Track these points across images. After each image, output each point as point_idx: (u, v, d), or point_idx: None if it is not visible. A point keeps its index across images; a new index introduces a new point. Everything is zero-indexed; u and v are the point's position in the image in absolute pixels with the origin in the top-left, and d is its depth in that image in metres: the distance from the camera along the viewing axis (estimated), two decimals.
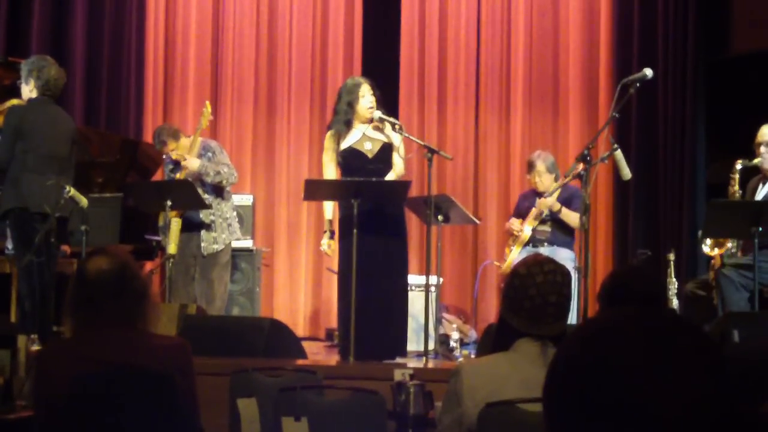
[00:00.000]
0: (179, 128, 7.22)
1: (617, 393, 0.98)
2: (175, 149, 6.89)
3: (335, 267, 6.40)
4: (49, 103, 6.16)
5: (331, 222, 6.20)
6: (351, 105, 6.08)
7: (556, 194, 6.74)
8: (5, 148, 5.99)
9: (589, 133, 7.85)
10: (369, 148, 6.09)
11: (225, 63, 8.77)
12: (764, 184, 6.04)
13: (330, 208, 6.23)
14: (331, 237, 6.18)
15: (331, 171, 6.18)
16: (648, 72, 5.52)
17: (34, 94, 6.12)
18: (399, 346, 6.10)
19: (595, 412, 0.99)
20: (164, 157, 7.14)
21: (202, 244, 6.83)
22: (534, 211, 6.86)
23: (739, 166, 5.98)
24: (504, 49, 8.44)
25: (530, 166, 6.94)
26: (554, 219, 6.84)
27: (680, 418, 0.97)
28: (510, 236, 7.04)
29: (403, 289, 6.21)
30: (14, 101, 6.22)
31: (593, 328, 1.05)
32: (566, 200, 6.79)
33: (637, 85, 5.54)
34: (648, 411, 0.97)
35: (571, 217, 6.74)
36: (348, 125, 6.10)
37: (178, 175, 6.87)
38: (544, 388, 1.06)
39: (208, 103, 7.15)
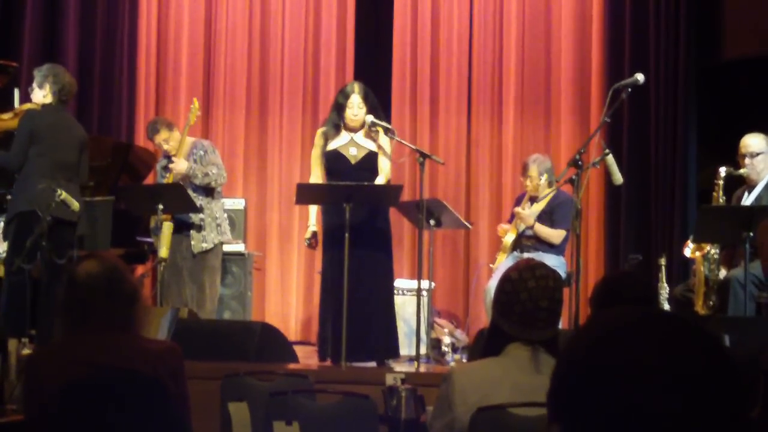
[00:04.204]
0: (174, 122, 7.23)
1: (632, 394, 0.98)
2: (168, 139, 6.91)
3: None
4: (62, 110, 6.25)
5: (314, 233, 6.28)
6: (340, 111, 6.17)
7: (537, 209, 6.74)
8: (19, 152, 6.05)
9: (581, 137, 7.85)
10: (353, 154, 6.15)
11: (217, 67, 8.77)
12: (749, 193, 6.06)
13: (314, 219, 6.32)
14: (314, 236, 6.28)
15: (318, 169, 6.28)
16: (640, 77, 5.53)
17: (48, 99, 6.18)
18: (391, 349, 6.13)
19: (608, 413, 0.99)
20: (160, 156, 7.16)
21: (192, 243, 6.83)
22: (516, 220, 6.86)
23: (723, 173, 5.99)
24: (496, 53, 8.45)
25: (524, 169, 6.94)
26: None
27: (693, 421, 0.98)
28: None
29: (389, 294, 6.28)
30: (29, 105, 6.27)
31: (607, 327, 1.04)
32: (552, 210, 6.75)
33: (629, 90, 5.55)
34: (662, 413, 0.98)
35: (545, 234, 6.72)
36: (337, 129, 6.18)
37: (166, 179, 6.88)
38: (553, 386, 1.05)
39: (195, 99, 7.18)
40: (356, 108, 6.12)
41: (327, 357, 6.08)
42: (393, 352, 6.17)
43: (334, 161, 6.17)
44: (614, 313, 1.06)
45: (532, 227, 6.72)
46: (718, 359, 1.01)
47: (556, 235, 6.72)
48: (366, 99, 6.15)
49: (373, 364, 5.98)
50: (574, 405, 1.02)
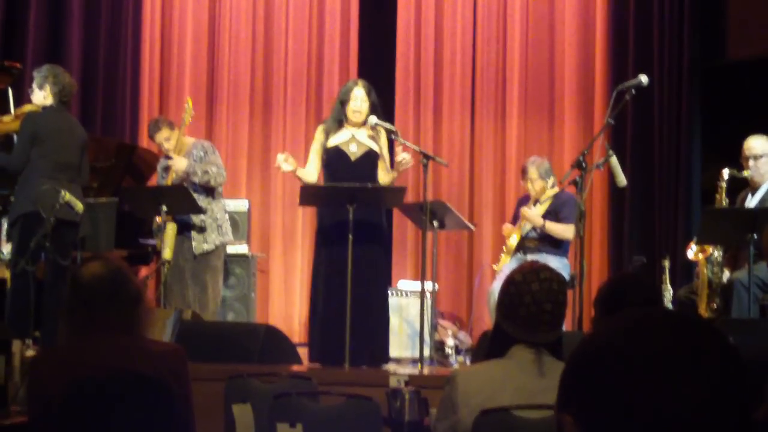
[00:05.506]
0: (176, 122, 7.22)
1: (652, 386, 1.01)
2: (169, 138, 6.92)
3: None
4: (63, 111, 6.27)
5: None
6: (343, 105, 6.14)
7: (541, 210, 6.72)
8: (21, 154, 6.07)
9: (585, 139, 7.85)
10: (353, 151, 6.11)
11: (221, 67, 8.77)
12: (752, 195, 6.05)
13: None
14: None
15: (313, 163, 6.20)
16: (643, 78, 5.52)
17: (49, 101, 6.20)
18: (382, 354, 6.06)
19: (625, 403, 1.02)
20: (161, 159, 7.17)
21: (193, 244, 6.83)
22: (520, 222, 6.85)
23: (726, 175, 5.97)
24: (500, 54, 8.46)
25: (523, 172, 6.94)
26: (541, 232, 6.80)
27: (704, 420, 1.01)
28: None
29: (381, 296, 6.20)
30: (30, 107, 6.28)
31: (628, 324, 1.07)
32: (556, 209, 6.75)
33: (633, 91, 5.55)
34: (677, 412, 1.01)
35: (557, 230, 6.71)
36: (339, 124, 6.15)
37: (166, 180, 6.88)
38: (570, 371, 1.08)
39: (189, 99, 7.18)
40: (359, 101, 6.07)
41: (316, 359, 6.00)
42: (381, 357, 6.05)
43: (334, 158, 6.12)
44: (634, 311, 1.09)
45: (543, 226, 6.70)
46: (733, 357, 1.05)
47: (568, 230, 6.70)
48: (369, 94, 6.13)
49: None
50: (590, 394, 1.04)
